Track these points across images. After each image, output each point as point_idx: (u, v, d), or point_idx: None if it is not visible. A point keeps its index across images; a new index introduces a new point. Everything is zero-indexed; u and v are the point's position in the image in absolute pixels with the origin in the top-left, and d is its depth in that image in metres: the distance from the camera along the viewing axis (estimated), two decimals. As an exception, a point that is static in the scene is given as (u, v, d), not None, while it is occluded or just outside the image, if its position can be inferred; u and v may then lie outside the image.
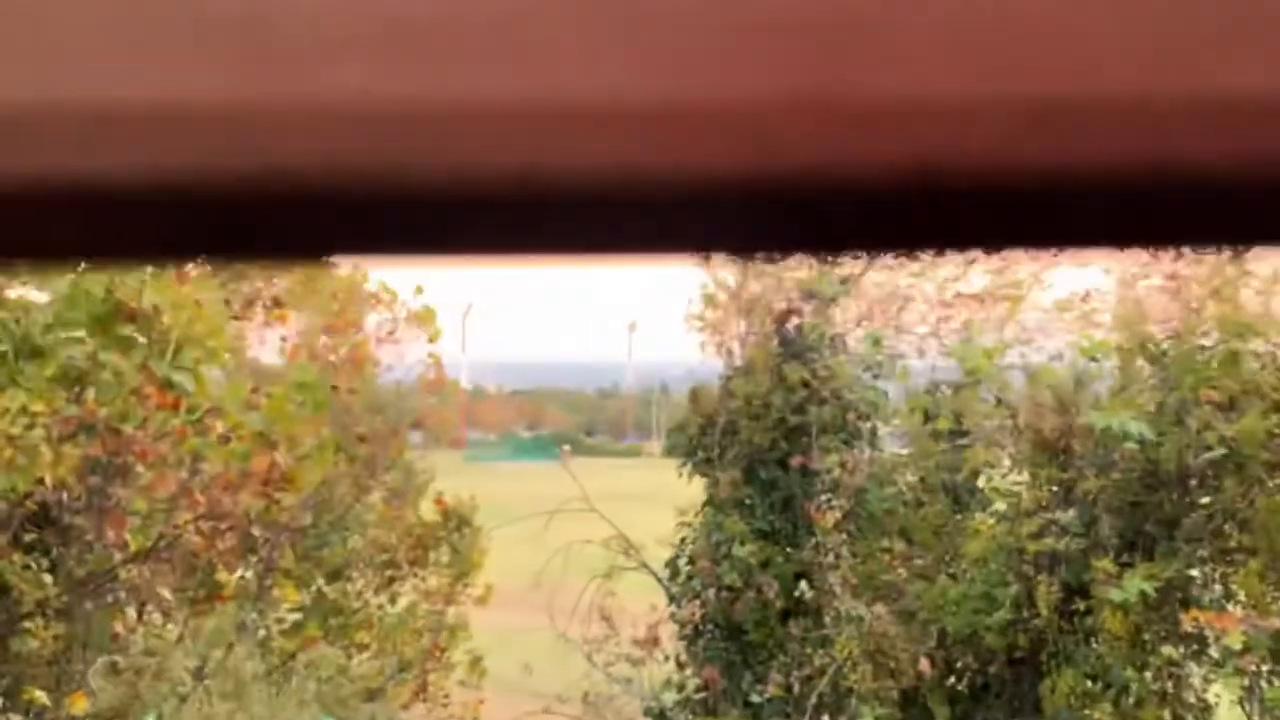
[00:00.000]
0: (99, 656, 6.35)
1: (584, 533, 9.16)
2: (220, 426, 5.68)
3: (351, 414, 10.35)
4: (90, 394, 5.15)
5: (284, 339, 9.10)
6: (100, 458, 5.57)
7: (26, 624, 5.75)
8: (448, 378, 12.83)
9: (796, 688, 7.48)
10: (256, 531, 6.01)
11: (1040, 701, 6.28)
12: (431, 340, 12.19)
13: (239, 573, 8.98)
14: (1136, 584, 5.76)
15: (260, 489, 5.51)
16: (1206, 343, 6.71)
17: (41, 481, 5.12)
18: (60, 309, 4.93)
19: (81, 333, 4.87)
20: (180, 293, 5.05)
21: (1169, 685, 5.98)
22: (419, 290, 12.22)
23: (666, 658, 8.49)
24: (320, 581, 11.52)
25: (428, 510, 13.09)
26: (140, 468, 5.72)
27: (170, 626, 7.20)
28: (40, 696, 5.66)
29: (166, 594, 6.33)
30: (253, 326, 8.48)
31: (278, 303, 6.95)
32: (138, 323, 5.01)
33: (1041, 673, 6.27)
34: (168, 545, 6.01)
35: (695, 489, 9.20)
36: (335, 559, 11.28)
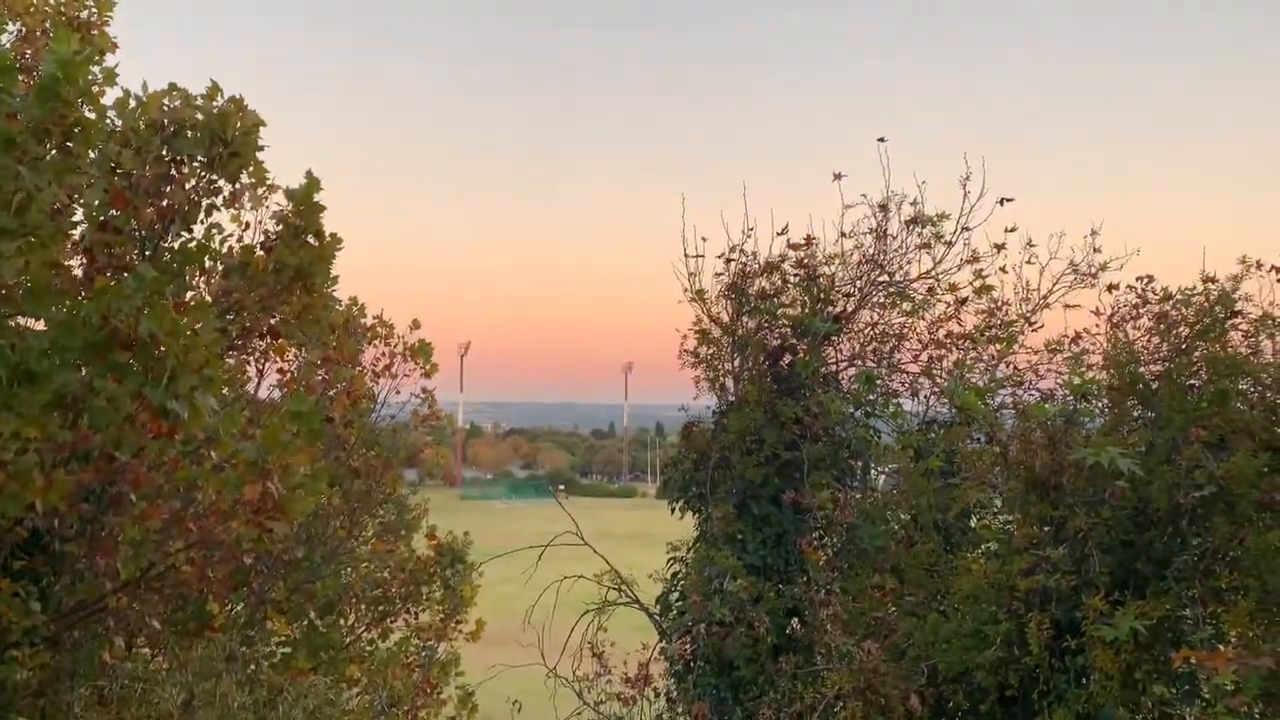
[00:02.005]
0: (86, 686, 6.26)
1: (577, 570, 9.09)
2: (214, 455, 5.64)
3: (346, 447, 10.32)
4: (84, 421, 5.12)
5: (281, 371, 9.10)
6: (93, 485, 5.52)
7: (13, 652, 5.66)
8: (444, 414, 12.81)
9: (787, 725, 7.38)
10: (249, 562, 5.92)
11: (1032, 740, 6.20)
12: (428, 375, 12.20)
13: (230, 604, 8.90)
14: (1128, 622, 5.71)
15: (252, 517, 5.45)
16: (1195, 382, 6.72)
17: (33, 508, 5.06)
18: (56, 335, 4.91)
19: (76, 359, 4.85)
20: (177, 322, 5.02)
21: (1161, 725, 5.90)
22: (415, 325, 12.23)
23: (658, 694, 8.39)
24: (312, 615, 11.44)
25: (421, 546, 13.04)
26: (133, 496, 5.66)
27: (159, 657, 7.11)
28: (26, 726, 5.56)
29: (156, 624, 6.24)
30: (250, 357, 8.47)
31: (275, 334, 6.92)
32: (134, 350, 4.99)
33: (1033, 711, 6.20)
34: (159, 575, 5.93)
35: (688, 527, 9.15)
36: (327, 592, 11.19)
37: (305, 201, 6.77)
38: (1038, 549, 6.37)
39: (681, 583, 8.79)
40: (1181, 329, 7.05)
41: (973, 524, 7.98)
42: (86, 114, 5.47)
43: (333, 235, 6.93)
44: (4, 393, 4.75)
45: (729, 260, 9.14)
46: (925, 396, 8.97)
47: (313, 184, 6.79)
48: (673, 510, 9.10)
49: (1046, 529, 6.60)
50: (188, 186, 6.46)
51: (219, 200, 6.68)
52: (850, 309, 9.09)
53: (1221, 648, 5.88)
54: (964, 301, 8.92)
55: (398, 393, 11.99)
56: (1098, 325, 7.88)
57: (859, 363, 9.12)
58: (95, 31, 8.85)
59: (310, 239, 6.83)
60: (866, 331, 9.22)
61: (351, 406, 9.82)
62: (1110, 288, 7.88)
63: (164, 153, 6.38)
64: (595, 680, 8.53)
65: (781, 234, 9.08)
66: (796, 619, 8.35)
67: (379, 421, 11.99)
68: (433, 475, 13.57)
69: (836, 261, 9.11)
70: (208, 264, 6.73)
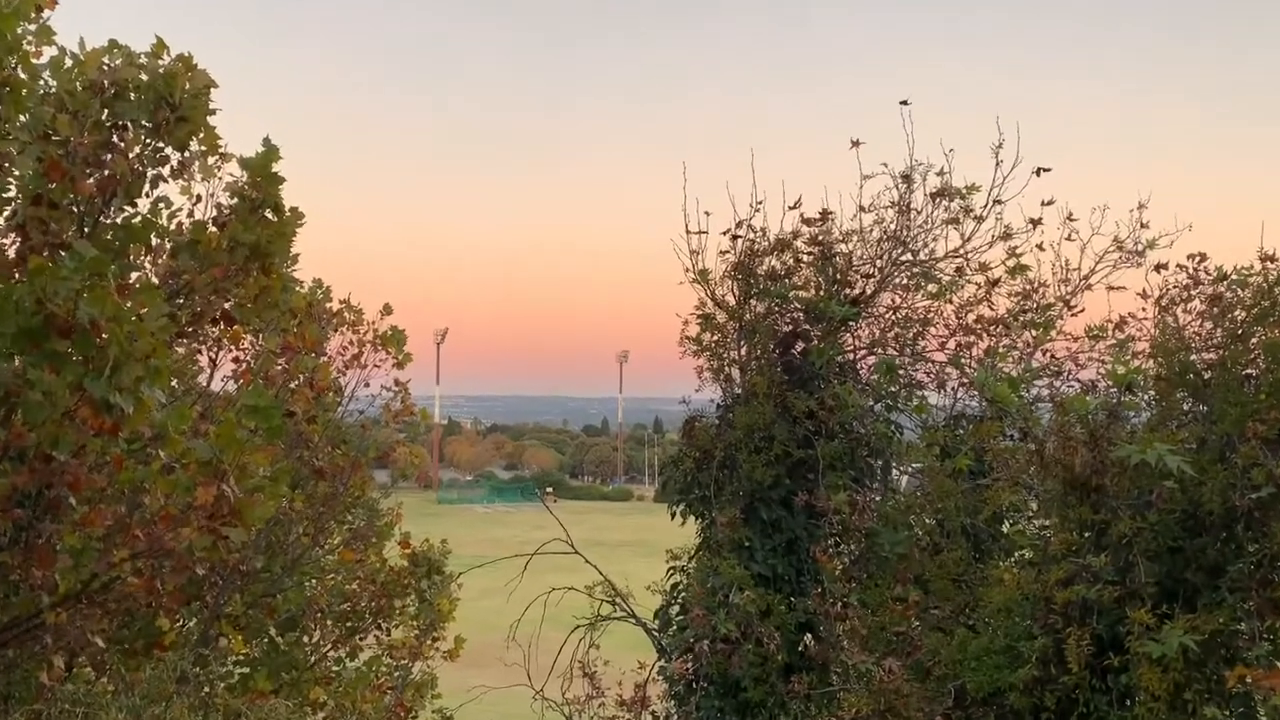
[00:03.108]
0: (22, 711, 6.27)
1: (567, 581, 9.12)
2: (163, 455, 5.65)
3: (309, 445, 10.33)
4: (18, 416, 5.12)
5: (236, 360, 9.10)
6: (28, 488, 5.52)
7: (-59, 673, 5.67)
8: (418, 409, 12.82)
9: (800, 752, 7.43)
10: (202, 573, 5.94)
11: (1070, 768, 6.23)
12: (400, 366, 12.20)
13: (181, 620, 8.92)
14: (1176, 637, 5.72)
15: (206, 523, 5.46)
16: (1253, 372, 6.72)
17: (-39, 513, 5.07)
18: (-14, 321, 4.90)
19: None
20: (120, 306, 5.02)
21: (1212, 751, 5.93)
22: (387, 310, 12.23)
23: (656, 718, 8.43)
24: (272, 631, 11.47)
25: (393, 555, 13.07)
26: (73, 500, 5.67)
27: (103, 679, 7.13)
28: (-46, 755, 5.58)
29: (99, 642, 6.25)
30: (202, 345, 8.47)
31: (229, 319, 6.92)
32: (72, 338, 4.99)
33: (1071, 736, 6.23)
34: (102, 587, 5.94)
35: (689, 534, 9.18)
36: (289, 607, 11.23)
37: (262, 172, 6.76)
38: (1077, 557, 6.39)
39: (682, 595, 8.82)
40: (1237, 313, 7.05)
41: (1005, 529, 8.01)
42: (18, 74, 5.46)
43: (293, 210, 6.92)
44: (-72, 385, 4.75)
45: (735, 237, 9.16)
46: (952, 388, 9.00)
47: (271, 153, 6.78)
48: (673, 515, 9.13)
49: (1087, 535, 6.61)
50: (131, 155, 6.44)
51: (166, 171, 6.66)
52: (870, 291, 9.11)
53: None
54: (996, 283, 8.94)
55: (367, 385, 12.00)
56: (1144, 309, 7.88)
57: (879, 351, 9.15)
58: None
59: (268, 214, 6.82)
60: (888, 316, 9.24)
61: (315, 400, 9.82)
62: (1158, 267, 7.88)
63: (104, 117, 6.36)
64: (587, 703, 8.57)
65: (794, 208, 9.11)
66: (810, 634, 8.39)
67: (346, 417, 12.00)
68: (406, 476, 13.55)
69: (854, 238, 9.14)
70: (154, 242, 6.72)
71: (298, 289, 10.66)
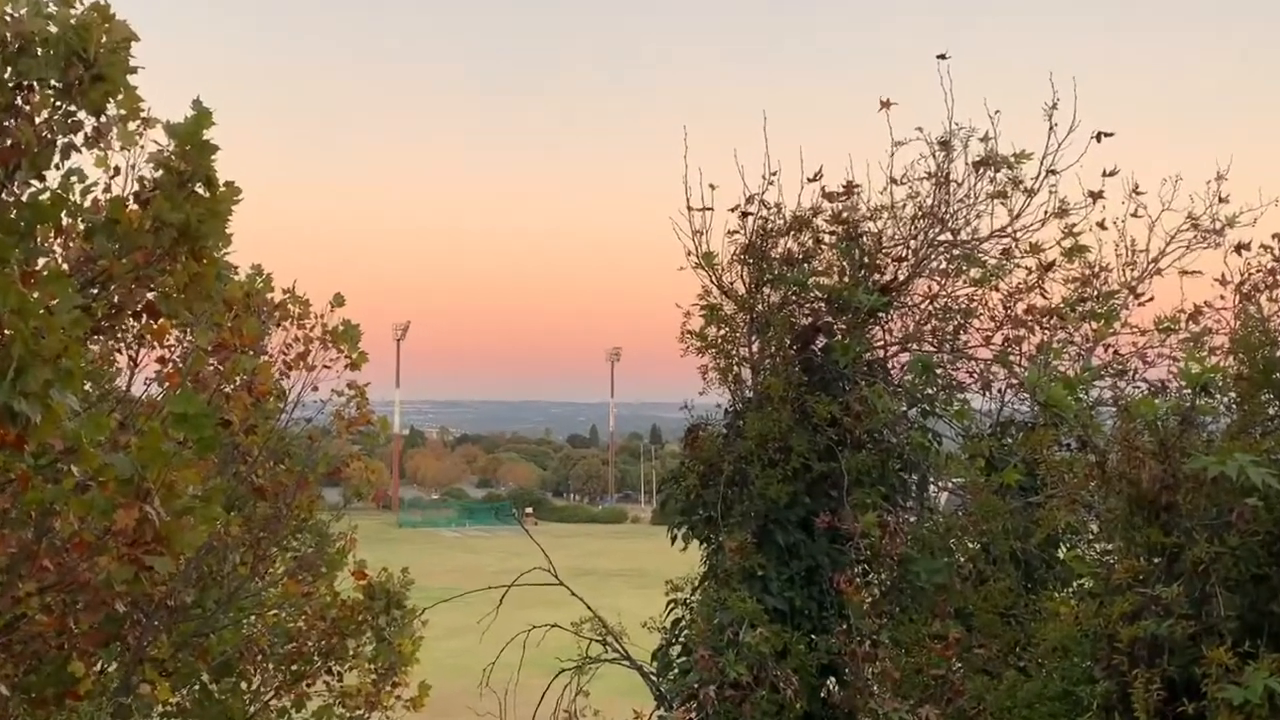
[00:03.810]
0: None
1: (549, 617, 9.12)
2: (76, 471, 5.62)
3: (248, 459, 10.32)
4: (-95, 427, 5.09)
5: (162, 360, 9.07)
6: (-82, 511, 5.51)
7: None
8: (375, 416, 12.80)
9: (823, 816, 7.43)
10: (122, 609, 5.92)
11: (1138, 834, 6.23)
12: (355, 367, 12.19)
13: (99, 663, 8.89)
14: (1261, 680, 5.72)
15: (126, 551, 5.44)
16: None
17: None
18: None
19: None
20: (25, 297, 5.00)
21: (1303, 812, 5.93)
22: (338, 301, 12.19)
23: (654, 780, 8.43)
24: (205, 677, 11.46)
25: (346, 587, 13.06)
26: (-30, 525, 5.65)
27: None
28: None
29: (3, 689, 6.24)
30: (121, 343, 8.43)
31: (153, 312, 6.89)
32: (-31, 334, 4.97)
33: (1139, 796, 6.22)
34: (5, 626, 5.92)
35: (692, 561, 9.18)
36: (225, 648, 11.22)
37: (192, 140, 6.74)
38: (1145, 587, 6.39)
39: (684, 633, 8.82)
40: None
41: (1061, 555, 8.01)
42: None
43: (228, 184, 6.91)
44: None
45: (745, 214, 9.17)
46: (1000, 390, 9.03)
47: (202, 117, 6.76)
48: (673, 539, 9.14)
49: (1156, 561, 6.61)
50: (38, 120, 6.42)
51: (79, 138, 6.64)
52: (902, 277, 9.13)
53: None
54: (1050, 266, 8.96)
55: (315, 389, 11.99)
56: (1223, 296, 7.89)
57: (914, 347, 9.17)
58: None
59: (199, 188, 6.80)
60: (924, 306, 9.26)
61: (254, 407, 9.81)
62: (1239, 248, 7.89)
63: (6, 76, 6.34)
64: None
65: (813, 180, 9.12)
66: (833, 679, 8.38)
67: (291, 426, 11.99)
68: (361, 495, 13.52)
69: (885, 215, 9.17)
70: (65, 222, 6.69)
71: (233, 276, 10.64)
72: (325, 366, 11.91)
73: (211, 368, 9.42)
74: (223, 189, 6.91)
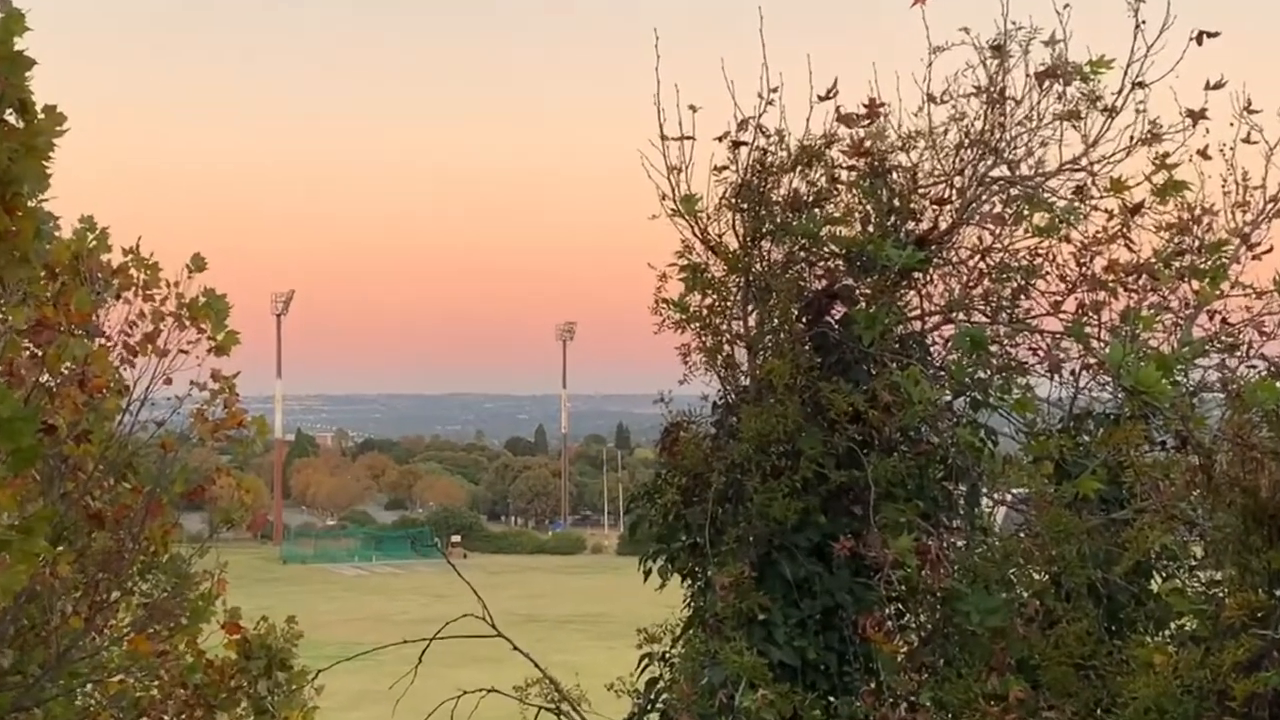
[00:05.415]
0: None
1: (485, 678, 9.22)
2: None
3: (80, 476, 10.38)
4: None
5: (-37, 345, 9.17)
6: None
7: None
8: (250, 416, 12.83)
9: None
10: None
11: None
12: (221, 351, 12.16)
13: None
14: None
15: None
16: None
17: None
18: None
19: None
20: None
21: None
22: (198, 264, 12.14)
23: None
24: (27, 765, 11.53)
25: (214, 643, 13.11)
26: None
27: None
28: None
29: None
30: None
31: (-49, 282, 7.06)
32: None
33: None
34: None
35: (672, 602, 9.30)
36: (52, 726, 11.28)
37: (0, 52, 6.85)
38: (1265, 627, 6.53)
39: (664, 697, 8.86)
40: None
41: (1155, 588, 8.11)
42: None
43: (49, 109, 7.01)
44: None
45: (737, 144, 9.21)
46: (1073, 373, 9.05)
47: (12, 20, 6.86)
48: (646, 574, 9.22)
49: (1278, 594, 6.77)
50: None
51: None
52: (945, 225, 9.18)
53: None
54: (1138, 209, 8.99)
55: (168, 381, 11.91)
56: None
57: (960, 317, 9.19)
58: None
59: (9, 116, 6.93)
60: (973, 263, 9.31)
61: (88, 406, 9.88)
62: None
63: None
64: None
65: (826, 98, 9.11)
66: (859, 755, 8.50)
67: (137, 431, 11.96)
68: (233, 522, 13.53)
69: (921, 144, 9.20)
70: None
71: (56, 233, 10.64)
72: (182, 351, 11.76)
73: (28, 354, 9.47)
74: (42, 117, 7.01)
